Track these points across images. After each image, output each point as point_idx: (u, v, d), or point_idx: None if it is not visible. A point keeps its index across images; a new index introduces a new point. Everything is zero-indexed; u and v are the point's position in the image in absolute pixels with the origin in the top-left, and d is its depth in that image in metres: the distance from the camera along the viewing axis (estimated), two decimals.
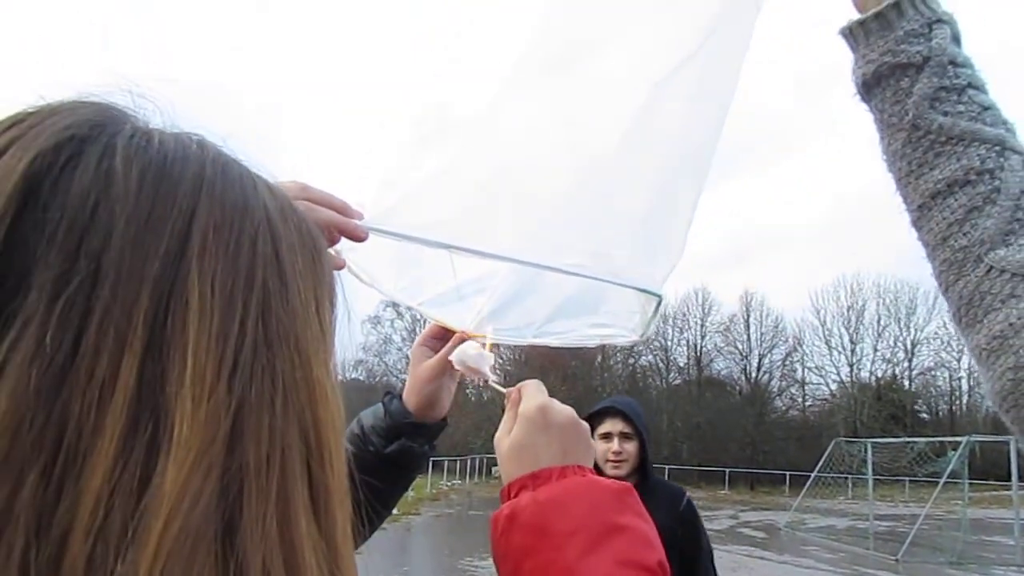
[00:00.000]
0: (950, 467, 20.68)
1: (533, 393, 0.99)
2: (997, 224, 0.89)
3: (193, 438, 0.41)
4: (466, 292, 1.23)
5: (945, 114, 0.93)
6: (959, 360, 56.07)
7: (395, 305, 57.67)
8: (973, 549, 18.99)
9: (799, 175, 73.65)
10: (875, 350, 56.32)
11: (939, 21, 0.96)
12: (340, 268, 1.00)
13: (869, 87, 0.99)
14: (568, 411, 0.96)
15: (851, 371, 56.21)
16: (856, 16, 1.00)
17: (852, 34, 1.00)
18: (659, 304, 1.28)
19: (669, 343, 57.11)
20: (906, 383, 56.77)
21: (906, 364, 56.59)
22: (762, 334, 56.41)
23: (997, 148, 0.91)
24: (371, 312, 57.86)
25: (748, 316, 56.56)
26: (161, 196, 0.45)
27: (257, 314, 0.47)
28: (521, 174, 1.17)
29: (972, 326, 0.93)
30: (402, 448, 1.22)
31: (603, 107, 1.19)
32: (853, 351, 56.20)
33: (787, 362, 56.90)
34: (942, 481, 20.47)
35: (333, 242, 0.98)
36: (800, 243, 74.75)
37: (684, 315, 56.99)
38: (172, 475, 0.40)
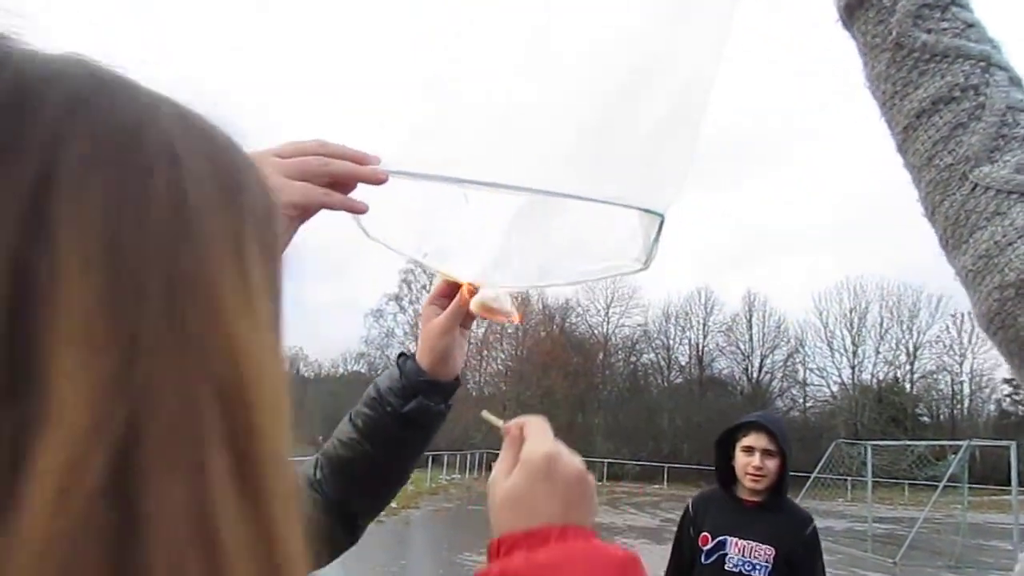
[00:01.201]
0: (950, 471, 20.66)
1: (539, 435, 0.88)
2: (982, 140, 0.87)
3: (77, 408, 0.34)
4: (469, 243, 1.23)
5: (928, 31, 0.91)
6: (961, 364, 56.08)
7: (397, 299, 57.99)
8: (971, 553, 18.98)
9: (804, 177, 73.52)
10: (877, 352, 56.32)
11: None
12: (363, 211, 0.99)
13: (852, 9, 0.98)
14: (577, 463, 0.86)
15: (853, 373, 56.19)
16: None
17: None
18: (661, 225, 1.21)
19: (671, 342, 57.19)
20: (907, 386, 56.72)
21: (908, 367, 56.57)
22: (764, 334, 56.43)
23: (982, 64, 0.90)
24: (374, 305, 57.93)
25: (751, 316, 56.59)
26: (18, 119, 0.37)
27: (151, 257, 0.39)
28: (524, 107, 1.16)
29: (958, 247, 0.91)
30: (419, 406, 1.23)
31: (604, 34, 1.17)
32: (855, 353, 56.19)
33: (789, 363, 56.90)
34: (941, 485, 20.45)
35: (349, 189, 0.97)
36: (804, 245, 74.70)
37: (687, 314, 57.06)
38: (52, 453, 0.33)
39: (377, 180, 0.99)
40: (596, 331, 57.90)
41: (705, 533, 3.31)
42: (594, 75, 1.16)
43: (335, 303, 72.91)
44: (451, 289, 1.25)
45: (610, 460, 42.56)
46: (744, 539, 3.23)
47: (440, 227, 1.21)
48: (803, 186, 72.64)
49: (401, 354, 1.29)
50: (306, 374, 56.58)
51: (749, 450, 3.32)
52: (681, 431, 50.80)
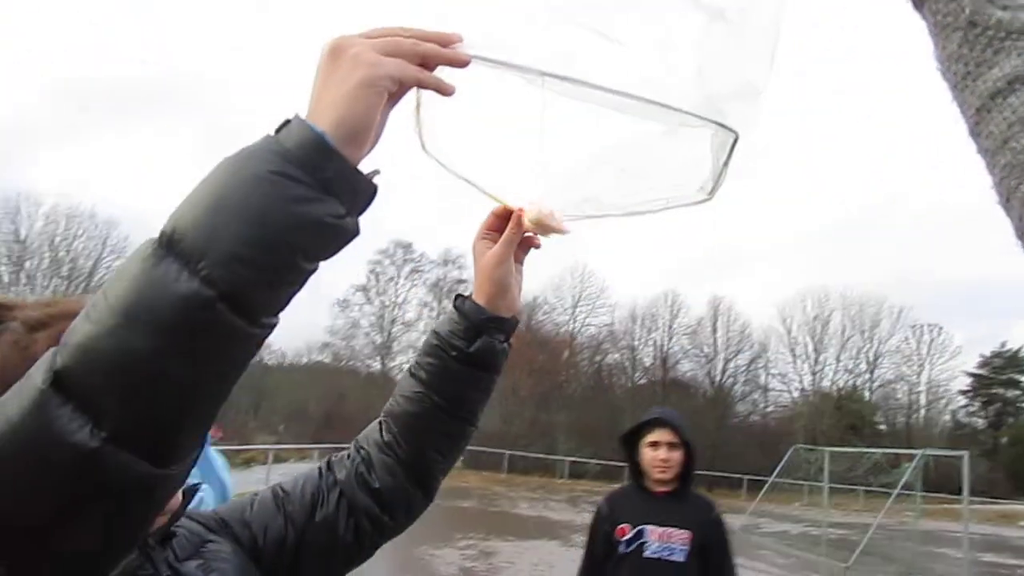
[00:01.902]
0: (904, 479, 21.00)
1: None
2: None
3: None
4: (521, 171, 1.18)
5: (1004, 8, 0.85)
6: (919, 375, 57.01)
7: (364, 289, 57.54)
8: (923, 560, 19.32)
9: (772, 187, 74.24)
10: (838, 360, 57.03)
11: None
12: (451, 93, 0.95)
13: None
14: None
15: (813, 380, 56.89)
16: None
17: None
18: (733, 145, 1.11)
19: (636, 343, 57.45)
20: (866, 394, 57.55)
21: (867, 376, 57.41)
22: (728, 339, 56.86)
23: None
24: (340, 295, 57.35)
25: (716, 320, 57.00)
26: None
27: None
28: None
29: None
30: (485, 345, 1.23)
31: None
32: (816, 360, 56.87)
33: (751, 368, 57.42)
34: (895, 492, 20.77)
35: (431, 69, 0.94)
36: (770, 252, 75.44)
37: (652, 316, 57.32)
38: None
39: (461, 62, 0.95)
40: (562, 329, 58.04)
41: (623, 525, 3.50)
42: None
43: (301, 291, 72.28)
44: (500, 222, 1.24)
45: (572, 459, 42.70)
46: (661, 526, 3.44)
47: (494, 153, 1.17)
48: (771, 195, 73.36)
49: (458, 295, 1.28)
50: (269, 362, 56.04)
51: (655, 445, 3.57)
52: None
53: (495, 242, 1.24)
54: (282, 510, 1.24)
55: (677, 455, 3.56)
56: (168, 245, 0.74)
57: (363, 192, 0.85)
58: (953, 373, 57.60)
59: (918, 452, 21.37)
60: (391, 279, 58.41)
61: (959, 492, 20.69)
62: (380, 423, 1.30)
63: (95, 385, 0.69)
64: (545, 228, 1.19)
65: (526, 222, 1.20)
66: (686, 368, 57.86)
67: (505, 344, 1.27)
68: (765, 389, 58.17)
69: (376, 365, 56.46)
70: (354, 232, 0.84)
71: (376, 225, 71.61)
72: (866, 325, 56.80)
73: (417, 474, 1.27)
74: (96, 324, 0.71)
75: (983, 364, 58.77)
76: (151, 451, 0.71)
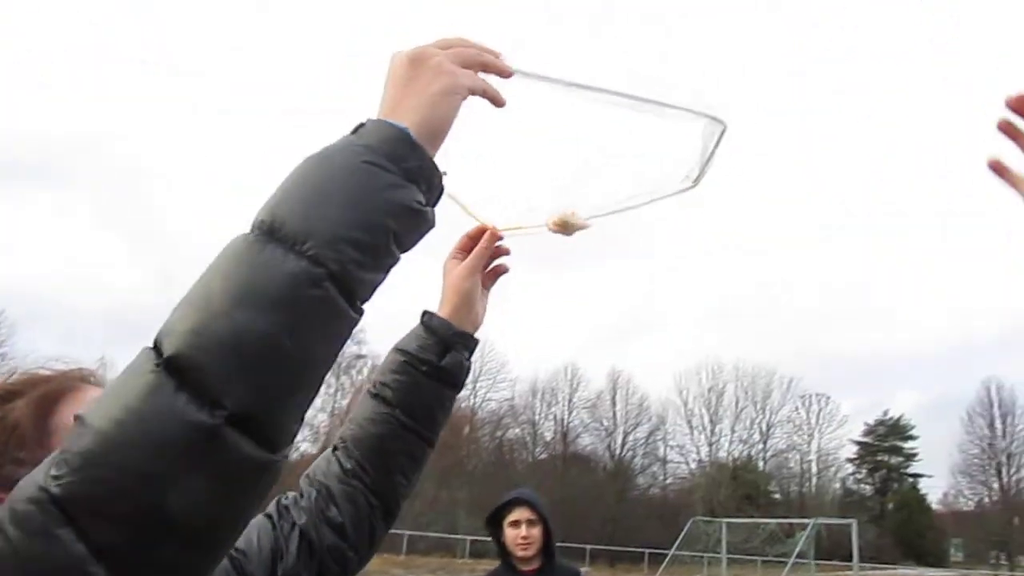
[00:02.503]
0: (798, 548, 21.42)
1: None
2: None
3: None
4: (499, 194, 1.32)
5: None
6: (809, 443, 58.77)
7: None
8: None
9: (667, 261, 76.49)
10: (733, 431, 58.35)
11: None
12: (503, 105, 1.06)
13: None
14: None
15: (710, 450, 57.94)
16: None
17: None
18: (721, 135, 1.23)
19: (537, 417, 57.43)
20: (761, 464, 58.84)
21: (761, 446, 58.82)
22: (628, 411, 57.50)
23: None
24: None
25: (615, 393, 57.64)
26: None
27: None
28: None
29: None
30: (454, 360, 1.27)
31: None
32: (712, 431, 58.05)
33: (650, 440, 58.08)
34: (791, 562, 21.13)
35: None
36: (667, 325, 77.25)
37: (553, 390, 57.54)
38: None
39: (508, 74, 1.07)
40: (463, 404, 57.56)
41: None
42: None
43: None
44: (471, 243, 1.34)
45: (473, 538, 41.88)
46: None
47: (474, 176, 1.25)
48: (667, 269, 75.52)
49: (425, 311, 1.31)
50: None
51: (515, 524, 3.76)
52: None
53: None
54: (242, 573, 1.14)
55: (536, 531, 3.75)
56: (269, 232, 0.79)
57: (437, 187, 0.93)
58: (841, 442, 59.73)
59: (810, 521, 21.85)
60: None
61: (850, 558, 21.18)
62: (335, 454, 1.26)
63: (211, 367, 0.72)
64: (569, 227, 1.28)
65: (550, 226, 1.28)
66: (586, 442, 58.12)
67: (469, 361, 1.31)
68: (664, 461, 58.87)
69: None
70: (432, 223, 0.91)
71: None
72: (758, 396, 58.53)
73: (383, 500, 1.25)
74: (203, 310, 0.75)
75: (868, 432, 61.15)
76: (263, 433, 0.74)
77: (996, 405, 54.82)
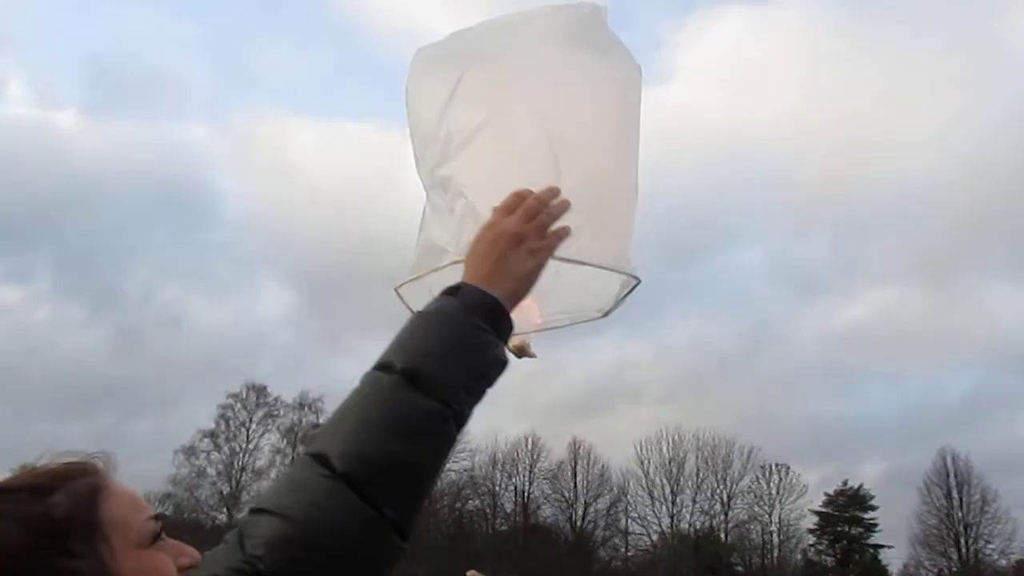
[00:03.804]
0: None
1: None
2: None
3: None
4: None
5: None
6: (770, 514, 58.50)
7: (213, 435, 54.51)
8: None
9: (627, 334, 76.98)
10: (694, 502, 57.89)
11: None
12: (565, 236, 1.47)
13: None
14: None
15: (672, 522, 57.36)
16: None
17: None
18: (633, 288, 1.70)
19: (497, 488, 56.67)
20: (722, 535, 58.40)
21: (722, 516, 58.42)
22: (589, 482, 56.99)
23: None
24: (185, 442, 53.95)
25: (576, 464, 57.15)
26: None
27: None
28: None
29: None
30: None
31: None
32: (674, 502, 57.54)
33: (612, 511, 57.47)
34: None
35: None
36: (628, 396, 77.19)
37: (513, 460, 56.95)
38: None
39: (565, 208, 1.46)
40: None
41: None
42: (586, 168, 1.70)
43: (131, 436, 68.05)
44: None
45: None
46: None
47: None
48: (626, 342, 75.85)
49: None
50: None
51: None
52: None
53: None
54: None
55: None
56: (412, 379, 1.13)
57: (508, 339, 1.31)
58: (802, 512, 59.45)
59: None
60: (242, 424, 55.75)
61: None
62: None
63: (377, 482, 1.05)
64: (522, 352, 1.59)
65: (510, 344, 1.52)
66: (547, 513, 57.39)
67: None
68: (626, 533, 58.19)
69: (222, 517, 52.96)
70: (505, 368, 1.28)
71: (228, 368, 68.89)
72: (719, 466, 58.33)
73: None
74: (367, 435, 1.08)
75: (828, 503, 61.06)
76: (404, 530, 1.09)
77: (952, 475, 55.28)
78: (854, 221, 74.92)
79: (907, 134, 72.42)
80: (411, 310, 1.52)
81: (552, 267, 1.51)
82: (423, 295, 1.53)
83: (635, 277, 1.68)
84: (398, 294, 1.73)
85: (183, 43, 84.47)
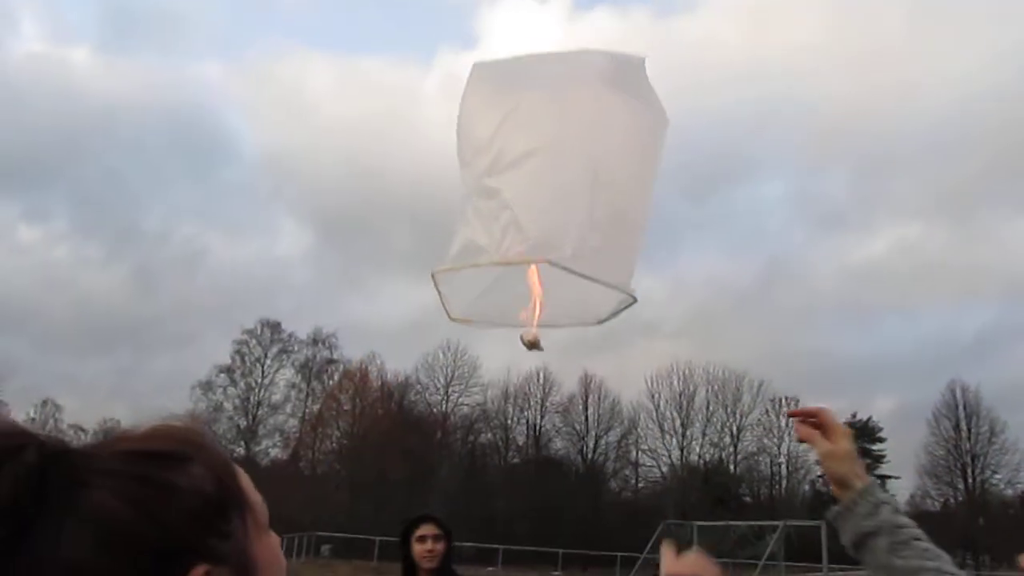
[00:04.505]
0: (768, 550, 21.55)
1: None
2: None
3: None
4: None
5: (902, 558, 1.45)
6: (779, 446, 59.22)
7: (229, 371, 55.30)
8: None
9: (642, 270, 76.49)
10: (704, 435, 58.67)
11: (882, 503, 1.52)
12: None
13: (856, 548, 1.53)
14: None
15: (682, 454, 58.19)
16: (836, 505, 1.58)
17: (835, 519, 1.57)
18: (629, 304, 2.06)
19: (510, 421, 57.42)
20: (731, 467, 59.23)
21: (732, 449, 59.17)
22: (600, 416, 57.68)
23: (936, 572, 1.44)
24: (201, 377, 54.74)
25: (587, 397, 57.80)
26: None
27: None
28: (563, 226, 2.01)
29: None
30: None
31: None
32: (684, 435, 58.31)
33: (622, 444, 58.27)
34: (761, 563, 21.28)
35: None
36: (639, 330, 77.58)
37: (525, 394, 57.61)
38: None
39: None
40: (435, 409, 57.45)
41: None
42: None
43: (151, 372, 68.93)
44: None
45: None
46: None
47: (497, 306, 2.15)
48: (642, 277, 75.59)
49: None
50: None
51: (422, 539, 4.38)
52: (517, 512, 50.70)
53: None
54: None
55: (440, 545, 4.40)
56: None
57: None
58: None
59: (780, 523, 22.00)
60: (257, 360, 56.45)
61: (820, 560, 21.39)
62: None
63: None
64: (532, 345, 1.95)
65: (527, 335, 1.99)
66: (559, 446, 58.22)
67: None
68: (636, 465, 59.09)
69: (240, 450, 54.02)
70: None
71: (244, 305, 69.45)
72: (728, 399, 58.90)
73: None
74: None
75: None
76: None
77: (961, 407, 55.73)
78: (876, 156, 74.08)
79: (932, 69, 71.21)
80: (440, 295, 2.00)
81: (560, 276, 1.91)
82: (456, 282, 2.01)
83: (633, 297, 2.03)
84: (433, 278, 2.01)
85: None
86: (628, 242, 2.06)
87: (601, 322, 2.09)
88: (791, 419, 1.65)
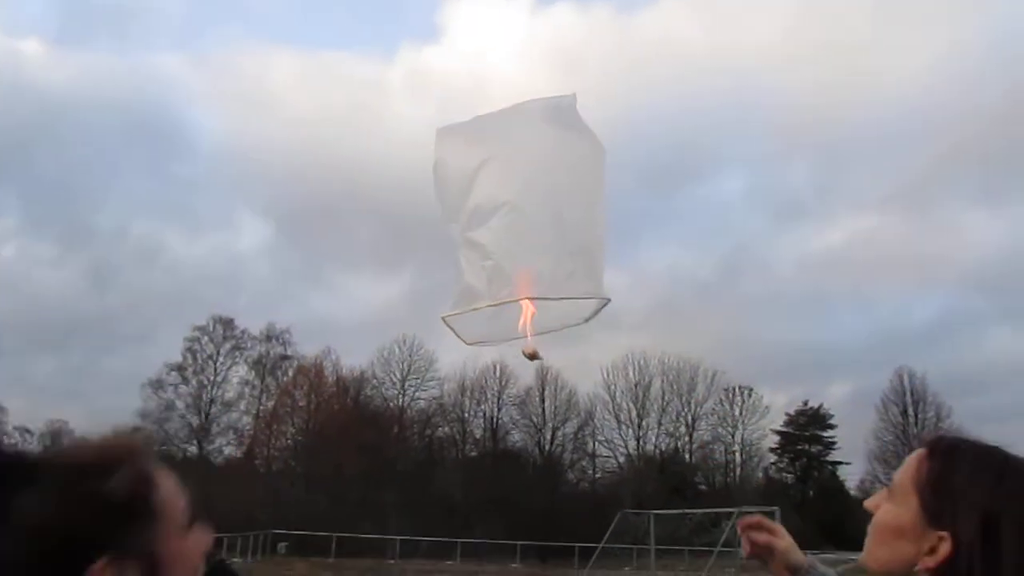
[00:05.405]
0: (723, 537, 21.88)
1: None
2: None
3: None
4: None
5: None
6: (733, 434, 60.07)
7: (180, 368, 54.33)
8: None
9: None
10: (659, 424, 59.27)
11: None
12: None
13: None
14: None
15: (638, 444, 58.75)
16: None
17: None
18: (606, 303, 2.48)
19: (466, 415, 57.42)
20: (687, 456, 59.95)
21: (687, 438, 59.91)
22: (556, 407, 57.92)
23: None
24: (152, 375, 53.70)
25: (543, 389, 57.98)
26: None
27: None
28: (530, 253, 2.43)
29: None
30: None
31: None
32: (640, 425, 58.84)
33: (579, 435, 58.60)
34: (716, 550, 21.60)
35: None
36: (595, 321, 77.80)
37: (482, 387, 57.60)
38: None
39: None
40: (392, 404, 57.19)
41: None
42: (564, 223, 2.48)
43: (104, 372, 67.60)
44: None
45: (403, 538, 41.66)
46: None
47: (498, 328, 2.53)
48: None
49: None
50: None
51: None
52: (475, 505, 50.75)
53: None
54: None
55: None
56: None
57: None
58: (764, 432, 61.18)
59: (735, 510, 22.36)
60: (210, 357, 55.57)
61: None
62: None
63: None
64: (533, 356, 2.40)
65: (526, 349, 2.43)
66: (516, 439, 58.36)
67: None
68: (593, 456, 59.49)
69: (193, 449, 53.25)
70: None
71: (200, 302, 68.43)
72: (684, 389, 59.55)
73: None
74: None
75: (788, 422, 62.81)
76: None
77: (908, 393, 57.04)
78: (835, 148, 75.29)
79: (891, 61, 72.40)
80: (458, 335, 2.47)
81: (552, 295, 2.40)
82: (464, 324, 2.46)
83: (607, 299, 2.46)
84: (445, 322, 2.45)
85: None
86: (594, 259, 2.46)
87: (587, 320, 2.54)
88: (741, 532, 1.72)
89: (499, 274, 2.38)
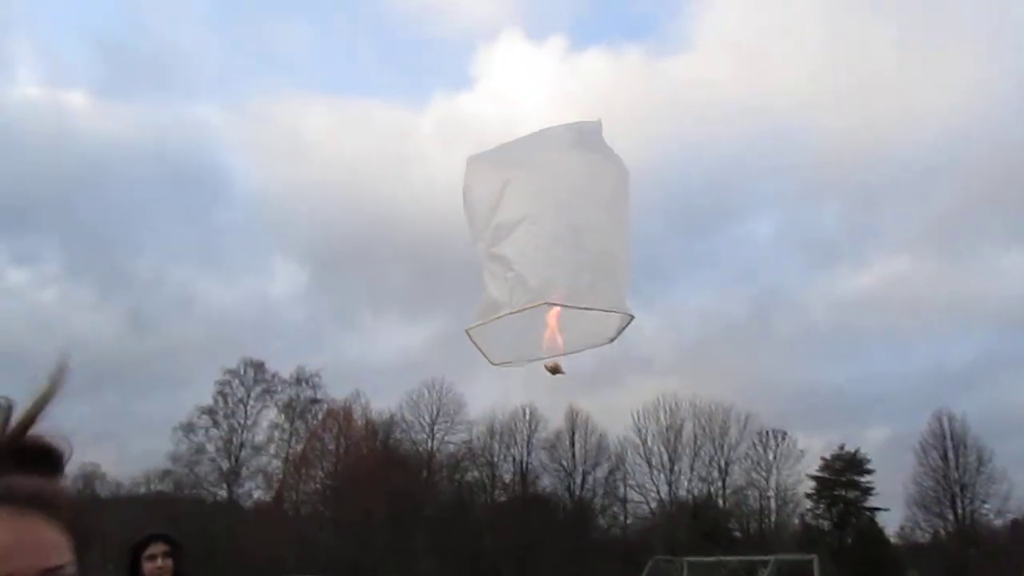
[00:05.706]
0: None
1: None
2: None
3: None
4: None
5: None
6: (767, 479, 58.96)
7: (211, 412, 54.57)
8: None
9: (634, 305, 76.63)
10: (692, 469, 58.28)
11: None
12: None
13: None
14: None
15: (670, 489, 57.76)
16: None
17: None
18: (630, 321, 2.50)
19: (496, 459, 56.96)
20: (720, 502, 58.88)
21: (720, 483, 58.86)
22: (587, 451, 57.30)
23: None
24: (183, 419, 53.97)
25: (574, 433, 57.45)
26: None
27: None
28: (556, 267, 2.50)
29: None
30: None
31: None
32: (672, 469, 57.91)
33: (610, 480, 57.85)
34: None
35: None
36: (626, 366, 77.68)
37: (511, 431, 57.19)
38: None
39: None
40: (420, 448, 56.95)
41: None
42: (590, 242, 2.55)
43: (137, 415, 68.14)
44: None
45: None
46: None
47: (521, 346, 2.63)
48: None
49: None
50: (102, 494, 51.83)
51: (152, 557, 4.51)
52: (504, 550, 50.13)
53: None
54: None
55: (170, 562, 4.52)
56: None
57: None
58: (799, 477, 59.97)
59: (771, 558, 21.90)
60: (240, 400, 55.81)
61: None
62: None
63: None
64: (556, 371, 2.42)
65: (549, 364, 2.46)
66: (546, 483, 57.73)
67: None
68: (624, 501, 58.62)
69: (223, 492, 53.27)
70: None
71: (229, 345, 69.02)
72: (716, 433, 58.67)
73: None
74: None
75: (824, 467, 61.57)
76: None
77: (948, 437, 55.70)
78: (866, 189, 74.76)
79: (920, 100, 72.01)
80: (480, 349, 2.51)
81: (573, 312, 2.41)
82: (489, 334, 2.49)
83: (631, 315, 2.48)
84: (468, 335, 2.51)
85: (196, 20, 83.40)
86: (616, 274, 2.51)
87: (612, 340, 2.55)
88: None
89: (519, 283, 2.43)
